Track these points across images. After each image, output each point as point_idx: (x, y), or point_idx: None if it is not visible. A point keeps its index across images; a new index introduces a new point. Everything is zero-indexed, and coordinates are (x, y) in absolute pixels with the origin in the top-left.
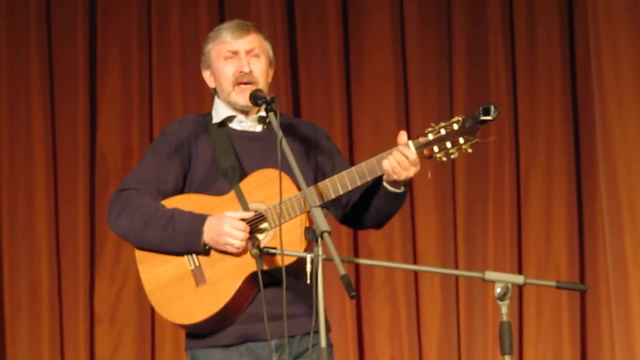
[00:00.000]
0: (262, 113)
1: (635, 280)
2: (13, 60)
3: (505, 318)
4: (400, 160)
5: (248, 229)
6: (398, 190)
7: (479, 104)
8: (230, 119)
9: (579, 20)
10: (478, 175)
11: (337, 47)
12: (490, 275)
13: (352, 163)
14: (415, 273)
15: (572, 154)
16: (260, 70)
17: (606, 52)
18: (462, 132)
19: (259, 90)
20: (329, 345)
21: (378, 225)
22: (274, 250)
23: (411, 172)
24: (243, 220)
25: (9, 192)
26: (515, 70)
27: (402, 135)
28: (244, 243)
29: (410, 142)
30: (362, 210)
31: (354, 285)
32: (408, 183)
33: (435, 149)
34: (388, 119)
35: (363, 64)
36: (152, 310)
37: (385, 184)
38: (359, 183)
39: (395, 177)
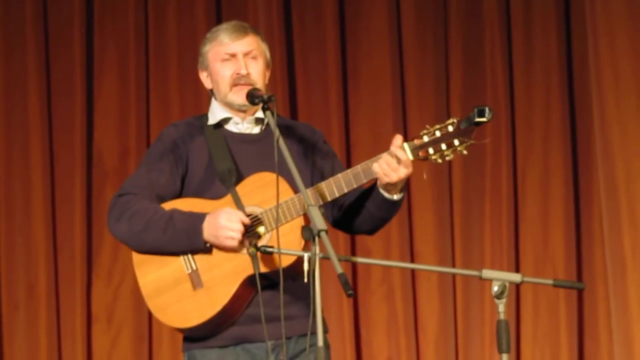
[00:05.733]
0: (259, 114)
1: (633, 278)
2: (10, 60)
3: (502, 316)
4: (389, 162)
5: (245, 220)
6: (392, 198)
7: (476, 102)
8: (226, 120)
9: (577, 17)
10: (475, 174)
11: (334, 48)
12: (487, 273)
13: (348, 164)
14: (413, 271)
15: (569, 151)
16: (257, 72)
17: (604, 50)
18: (457, 133)
19: (256, 89)
20: (327, 346)
21: (371, 231)
22: (271, 249)
23: (401, 172)
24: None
25: (6, 191)
26: (512, 69)
27: (397, 138)
28: (241, 235)
29: (406, 145)
30: (357, 215)
31: (351, 284)
32: (403, 189)
33: (431, 151)
34: (385, 120)
35: (360, 64)
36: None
37: (380, 190)
38: (355, 185)
39: (386, 179)
